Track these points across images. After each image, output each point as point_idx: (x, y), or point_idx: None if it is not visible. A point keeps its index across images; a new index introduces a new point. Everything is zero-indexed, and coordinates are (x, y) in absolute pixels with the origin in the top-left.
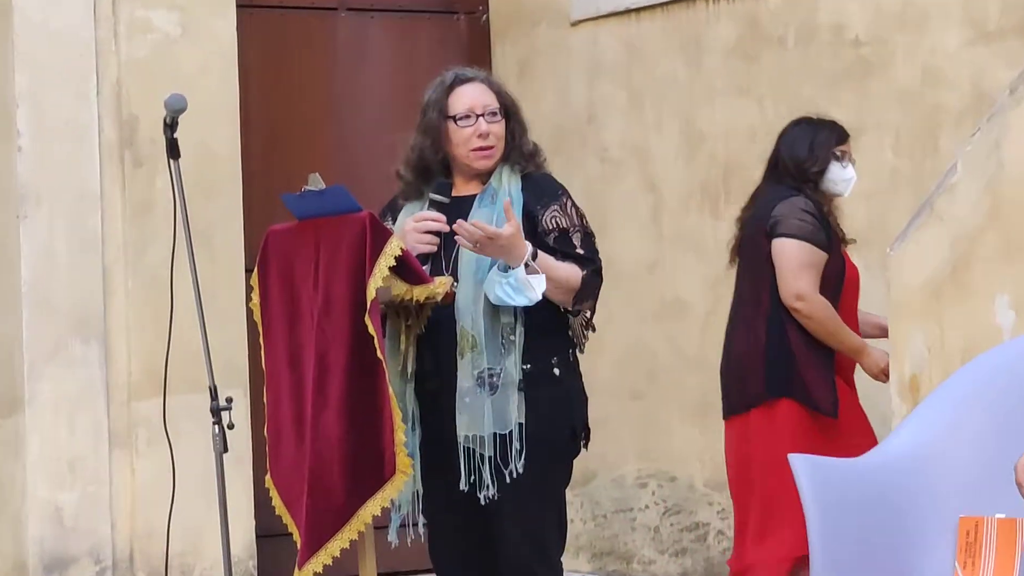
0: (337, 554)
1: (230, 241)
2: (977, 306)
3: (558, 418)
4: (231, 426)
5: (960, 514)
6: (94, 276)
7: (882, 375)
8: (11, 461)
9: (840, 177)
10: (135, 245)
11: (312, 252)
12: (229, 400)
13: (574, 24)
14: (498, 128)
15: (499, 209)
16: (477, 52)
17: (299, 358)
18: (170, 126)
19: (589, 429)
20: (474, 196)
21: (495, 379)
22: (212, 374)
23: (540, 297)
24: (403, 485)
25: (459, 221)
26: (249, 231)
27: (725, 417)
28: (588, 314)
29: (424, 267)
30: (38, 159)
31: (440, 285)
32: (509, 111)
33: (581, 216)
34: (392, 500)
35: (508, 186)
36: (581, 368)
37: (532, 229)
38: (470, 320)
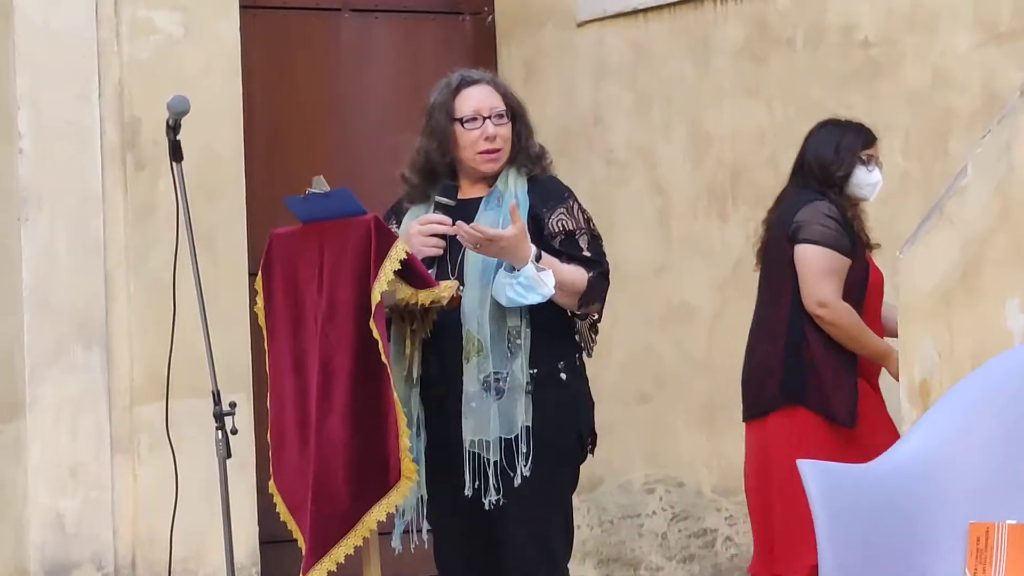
0: (342, 560)
1: (233, 244)
2: (987, 310)
3: (565, 423)
4: (234, 431)
5: (970, 520)
6: (96, 279)
7: None
8: (12, 466)
9: (866, 181)
10: (137, 248)
11: (316, 256)
12: (232, 405)
13: (580, 25)
14: (505, 130)
15: (505, 212)
16: (482, 53)
17: (303, 363)
18: (173, 128)
19: (596, 434)
20: (480, 199)
21: (501, 383)
22: (215, 378)
23: (552, 292)
24: (408, 491)
25: (459, 223)
26: (252, 234)
27: (744, 421)
28: (595, 317)
29: (430, 271)
30: (39, 161)
31: (446, 289)
32: (515, 113)
33: (587, 219)
34: (396, 506)
35: (514, 189)
36: (587, 372)
37: (538, 232)
38: (476, 324)
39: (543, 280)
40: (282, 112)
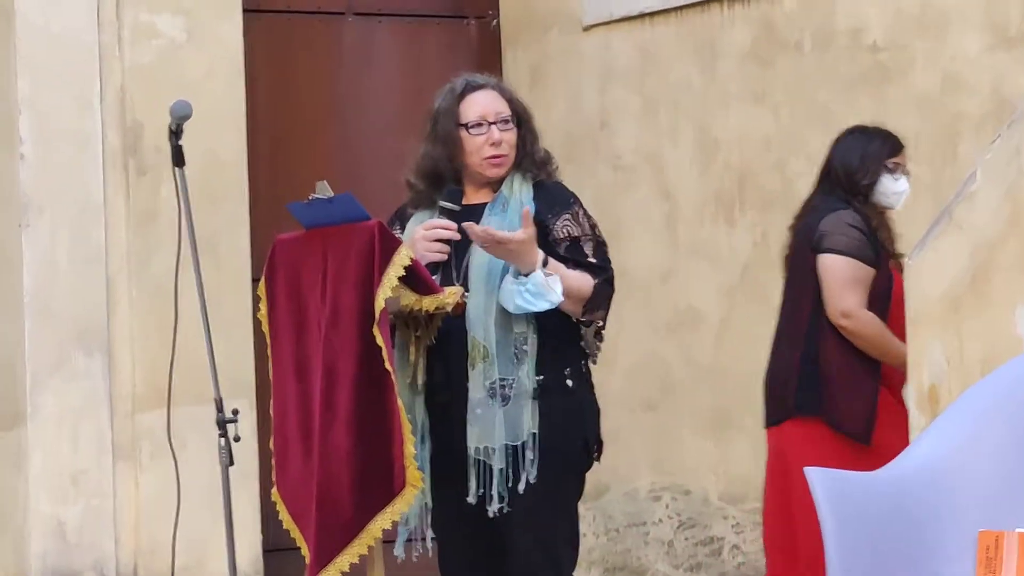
0: (346, 568)
1: (236, 250)
2: (997, 316)
3: (571, 430)
4: (237, 438)
5: (980, 528)
6: (97, 286)
7: None
8: (13, 474)
9: (892, 190)
10: (139, 254)
11: (320, 261)
12: (235, 412)
13: (586, 29)
14: (510, 136)
15: (510, 218)
16: (487, 58)
17: (306, 369)
18: (175, 133)
19: (602, 441)
20: (485, 204)
21: (507, 390)
22: (218, 386)
23: (561, 299)
24: (413, 499)
25: (469, 223)
26: (255, 240)
27: (764, 426)
28: (599, 324)
29: (434, 276)
30: (40, 167)
31: (450, 295)
32: (521, 118)
33: (593, 225)
34: (401, 513)
35: (520, 194)
36: (593, 379)
37: (543, 238)
38: (482, 330)
39: (551, 287)
40: (285, 117)
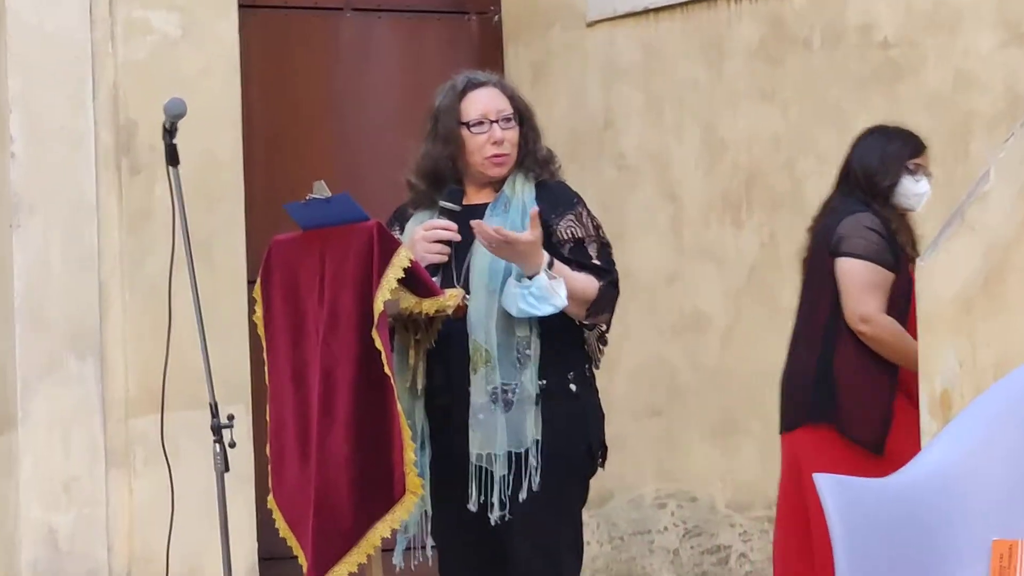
0: None
1: (231, 251)
2: (1011, 319)
3: (574, 435)
4: (232, 444)
5: (993, 534)
6: (90, 288)
7: None
8: (3, 481)
9: (912, 191)
10: (132, 256)
11: (317, 263)
12: (231, 417)
13: (590, 25)
14: (512, 134)
15: (512, 218)
16: (489, 54)
17: (304, 374)
18: (169, 131)
19: (606, 447)
20: (486, 205)
21: (509, 395)
22: (213, 390)
23: (565, 303)
24: (413, 506)
25: (477, 220)
26: (251, 241)
27: (780, 432)
28: (603, 327)
29: (434, 278)
30: (32, 166)
31: (451, 298)
32: (523, 116)
33: (597, 226)
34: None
35: (522, 195)
36: (597, 384)
37: (546, 239)
38: (483, 334)
39: (556, 290)
40: (282, 115)
